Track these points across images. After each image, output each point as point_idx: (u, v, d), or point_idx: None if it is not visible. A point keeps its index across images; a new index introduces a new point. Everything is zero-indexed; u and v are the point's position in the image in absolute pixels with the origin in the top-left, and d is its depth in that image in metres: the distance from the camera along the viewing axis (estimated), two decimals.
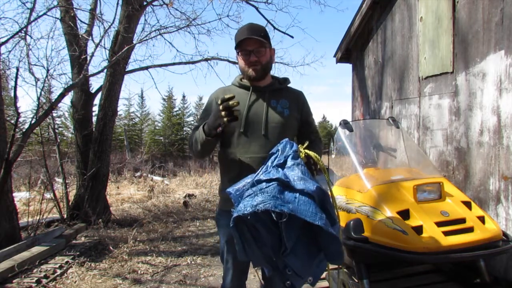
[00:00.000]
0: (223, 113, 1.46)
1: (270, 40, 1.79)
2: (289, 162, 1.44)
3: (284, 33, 7.75)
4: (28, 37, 4.90)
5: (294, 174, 1.39)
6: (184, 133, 35.24)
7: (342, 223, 2.53)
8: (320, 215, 1.29)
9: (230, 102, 1.44)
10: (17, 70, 4.63)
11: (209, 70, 20.87)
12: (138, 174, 14.70)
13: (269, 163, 1.50)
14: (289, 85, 1.91)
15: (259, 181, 1.39)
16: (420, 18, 3.81)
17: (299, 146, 1.56)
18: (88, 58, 5.97)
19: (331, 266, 3.04)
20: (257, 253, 1.43)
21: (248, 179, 1.47)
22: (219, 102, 1.47)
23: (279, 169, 1.43)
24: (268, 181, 1.37)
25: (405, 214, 2.31)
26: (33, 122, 4.60)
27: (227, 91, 1.81)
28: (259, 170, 1.50)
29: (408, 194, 2.45)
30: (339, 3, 39.60)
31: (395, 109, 4.27)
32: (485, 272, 2.45)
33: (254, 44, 1.70)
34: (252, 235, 1.41)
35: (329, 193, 1.53)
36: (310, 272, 1.41)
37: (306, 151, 1.56)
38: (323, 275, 2.75)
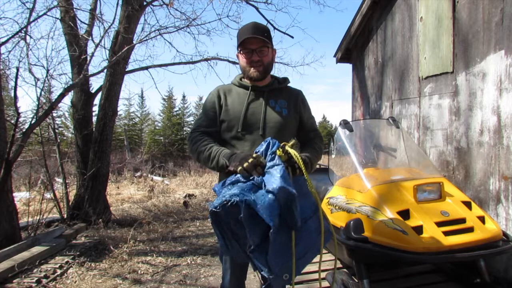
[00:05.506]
0: (255, 167, 1.44)
1: (272, 40, 1.78)
2: (268, 164, 1.47)
3: (284, 33, 7.78)
4: (28, 37, 4.91)
5: (270, 176, 1.42)
6: (184, 133, 35.21)
7: (342, 223, 2.53)
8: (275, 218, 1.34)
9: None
10: (17, 70, 4.64)
11: (209, 70, 20.94)
12: (138, 174, 14.71)
13: None
14: (288, 85, 1.90)
15: (238, 181, 1.46)
16: (420, 18, 3.81)
17: (283, 144, 1.52)
18: (88, 58, 5.98)
19: (331, 266, 3.04)
20: (238, 248, 1.46)
21: (233, 178, 1.50)
22: (256, 158, 1.45)
23: None
24: (245, 182, 1.44)
25: (405, 214, 2.31)
26: (33, 122, 4.60)
27: (227, 89, 1.81)
28: None
29: (408, 194, 2.45)
30: (338, 3, 39.61)
31: (395, 109, 4.27)
32: (485, 272, 2.45)
33: (257, 43, 1.68)
34: (232, 231, 1.44)
35: (313, 193, 1.52)
36: (283, 269, 1.42)
37: (288, 149, 1.50)
38: (323, 275, 2.77)
